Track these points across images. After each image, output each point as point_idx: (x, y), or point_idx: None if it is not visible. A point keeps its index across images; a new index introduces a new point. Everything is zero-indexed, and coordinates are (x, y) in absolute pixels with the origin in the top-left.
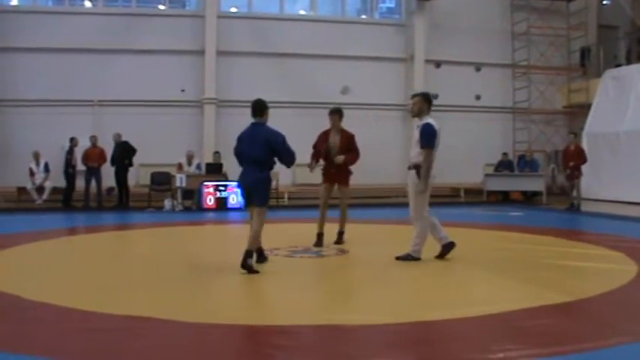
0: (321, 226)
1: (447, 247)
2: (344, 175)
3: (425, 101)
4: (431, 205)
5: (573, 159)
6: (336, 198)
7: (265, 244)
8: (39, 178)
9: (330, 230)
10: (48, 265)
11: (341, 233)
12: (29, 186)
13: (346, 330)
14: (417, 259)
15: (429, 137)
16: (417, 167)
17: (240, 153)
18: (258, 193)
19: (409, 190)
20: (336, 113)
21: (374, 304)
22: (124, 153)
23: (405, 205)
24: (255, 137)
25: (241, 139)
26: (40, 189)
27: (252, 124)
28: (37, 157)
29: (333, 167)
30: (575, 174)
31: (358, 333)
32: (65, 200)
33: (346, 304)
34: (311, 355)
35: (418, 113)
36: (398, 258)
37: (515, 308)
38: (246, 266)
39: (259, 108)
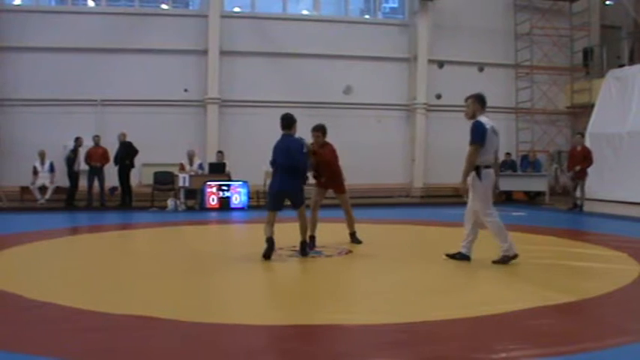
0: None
1: (460, 257)
2: (337, 183)
3: (478, 102)
4: (433, 205)
5: (579, 160)
6: (331, 197)
7: None
8: (43, 177)
9: (332, 230)
10: (51, 265)
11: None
12: (32, 185)
13: (348, 329)
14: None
15: (475, 133)
16: (476, 168)
17: (273, 162)
18: (298, 197)
19: (470, 192)
20: (320, 130)
21: (375, 303)
22: (127, 153)
23: (408, 204)
24: (284, 147)
25: (275, 150)
26: (43, 188)
27: (283, 135)
28: (42, 156)
29: (322, 177)
30: (580, 174)
31: (360, 333)
32: (68, 200)
33: (348, 303)
34: (312, 354)
35: (472, 115)
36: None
37: (518, 308)
38: (305, 253)
39: (287, 122)
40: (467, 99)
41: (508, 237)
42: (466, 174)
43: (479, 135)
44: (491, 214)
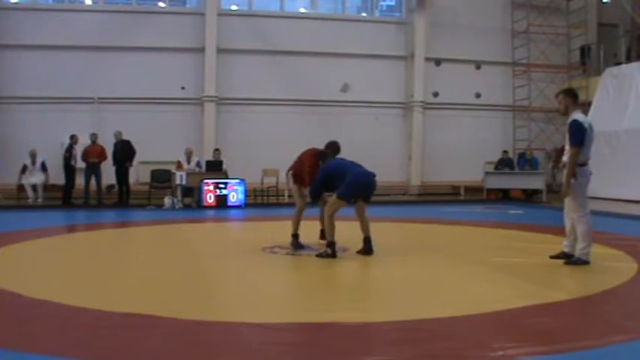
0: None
1: (564, 256)
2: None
3: (569, 96)
4: (431, 202)
5: None
6: None
7: (266, 242)
8: (32, 176)
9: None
10: (48, 263)
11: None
12: (23, 182)
13: (346, 327)
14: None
15: (576, 135)
16: None
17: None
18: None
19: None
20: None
21: (373, 301)
22: (125, 152)
23: (405, 202)
24: (348, 162)
25: (346, 167)
26: (34, 187)
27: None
28: (33, 155)
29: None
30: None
31: (358, 331)
32: (65, 198)
33: (346, 302)
34: (312, 352)
35: (566, 110)
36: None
37: (516, 306)
38: (370, 250)
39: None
40: (557, 95)
41: (592, 242)
42: (569, 177)
43: (579, 137)
44: (586, 213)
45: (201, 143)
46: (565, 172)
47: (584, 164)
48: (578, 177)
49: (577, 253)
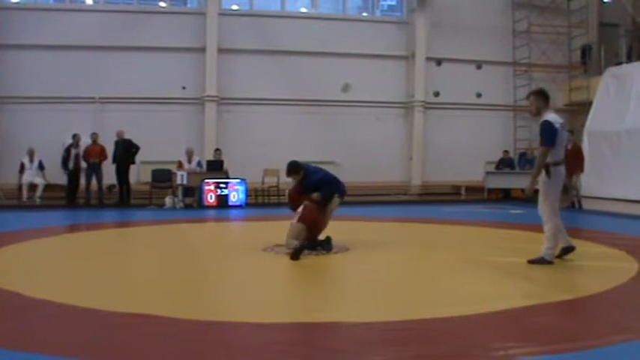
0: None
1: (563, 252)
2: None
3: (540, 98)
4: (431, 202)
5: (570, 158)
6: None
7: (266, 242)
8: (30, 174)
9: (331, 228)
10: (49, 263)
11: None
12: (22, 182)
13: (346, 327)
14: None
15: (545, 134)
16: (546, 166)
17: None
18: None
19: (540, 192)
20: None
21: (373, 301)
22: (127, 151)
23: (406, 202)
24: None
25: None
26: (32, 186)
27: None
28: (31, 154)
29: None
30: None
31: (358, 331)
32: (69, 197)
33: (346, 301)
34: (308, 351)
35: (537, 112)
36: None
37: (516, 306)
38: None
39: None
40: (528, 96)
41: (558, 243)
42: (535, 176)
43: (550, 137)
44: (556, 215)
45: (202, 143)
46: (533, 171)
47: (558, 164)
48: (552, 176)
49: (542, 252)
